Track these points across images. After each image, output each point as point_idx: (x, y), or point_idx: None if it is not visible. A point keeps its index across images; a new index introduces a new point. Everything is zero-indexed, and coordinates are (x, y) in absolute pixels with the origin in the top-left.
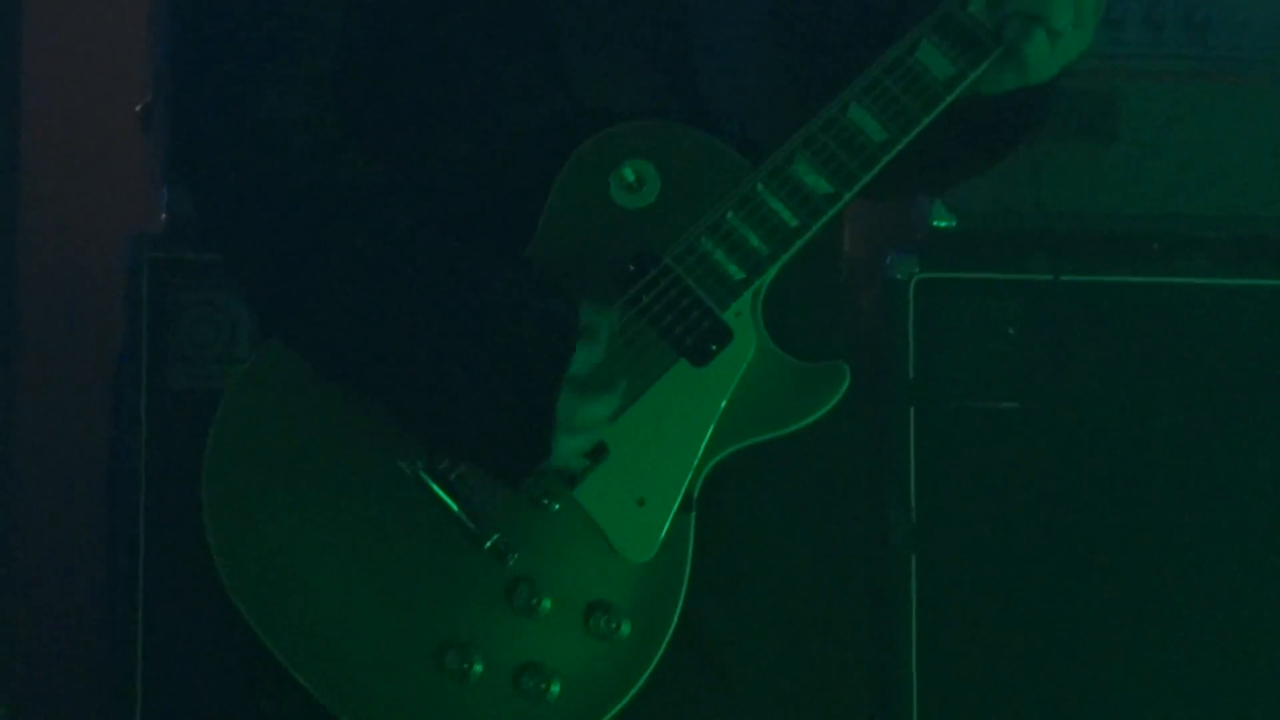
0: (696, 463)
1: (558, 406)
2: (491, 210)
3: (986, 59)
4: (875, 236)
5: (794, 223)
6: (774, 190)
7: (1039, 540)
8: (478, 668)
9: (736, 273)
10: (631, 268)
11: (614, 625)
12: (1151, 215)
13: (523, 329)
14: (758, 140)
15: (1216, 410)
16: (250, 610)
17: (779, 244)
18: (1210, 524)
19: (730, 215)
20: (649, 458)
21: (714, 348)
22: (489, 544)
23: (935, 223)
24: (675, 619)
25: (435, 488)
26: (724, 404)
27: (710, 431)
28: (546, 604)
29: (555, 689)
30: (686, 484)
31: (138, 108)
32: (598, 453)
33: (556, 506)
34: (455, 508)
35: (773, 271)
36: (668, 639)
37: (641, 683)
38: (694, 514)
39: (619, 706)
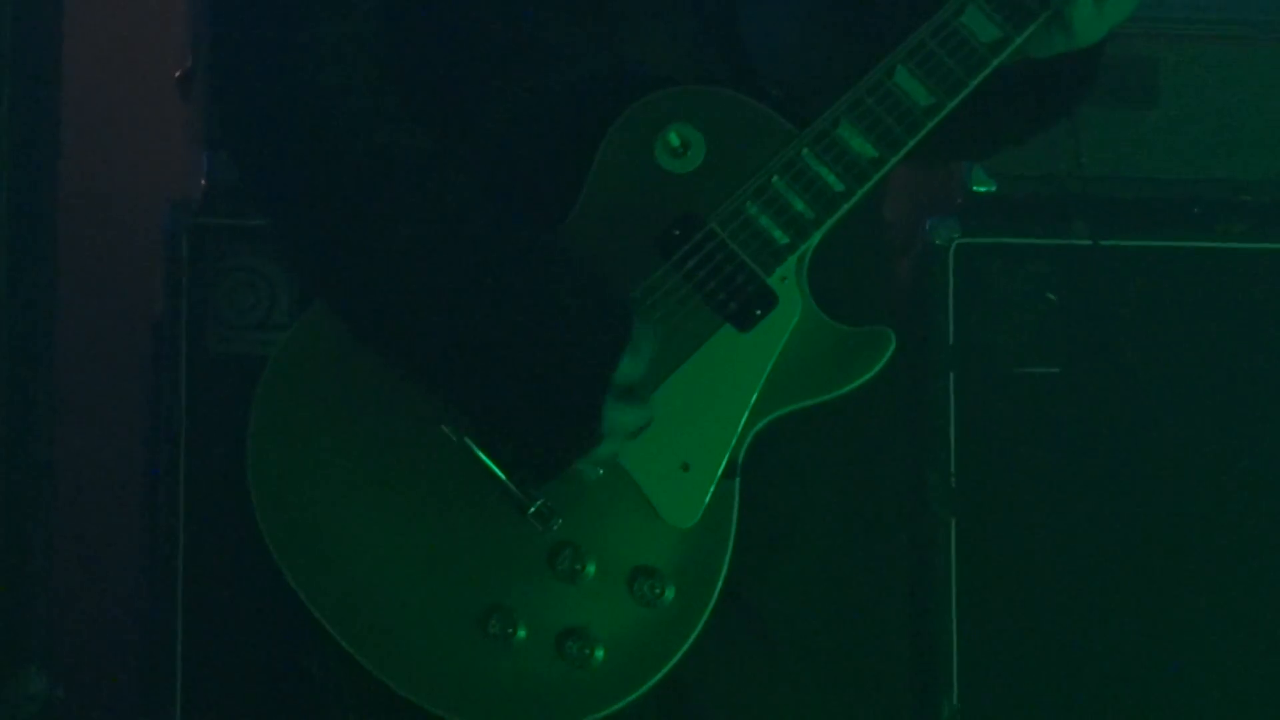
0: (741, 428)
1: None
2: (536, 173)
3: (1032, 22)
4: (915, 201)
5: (839, 187)
6: (819, 155)
7: (1079, 504)
8: (521, 633)
9: (781, 237)
10: (676, 232)
11: (658, 591)
12: (1191, 180)
13: (578, 320)
14: (803, 105)
15: (1256, 374)
16: (294, 574)
17: (824, 209)
18: (1252, 486)
19: (775, 180)
20: (693, 423)
21: (759, 313)
22: (533, 509)
23: (975, 188)
24: (719, 584)
25: (479, 452)
26: (769, 369)
27: (755, 397)
28: (590, 569)
29: (599, 654)
30: (730, 449)
31: (177, 74)
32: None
33: (600, 472)
34: (499, 472)
35: (818, 236)
36: (712, 604)
37: (686, 648)
38: (738, 479)
39: (663, 671)
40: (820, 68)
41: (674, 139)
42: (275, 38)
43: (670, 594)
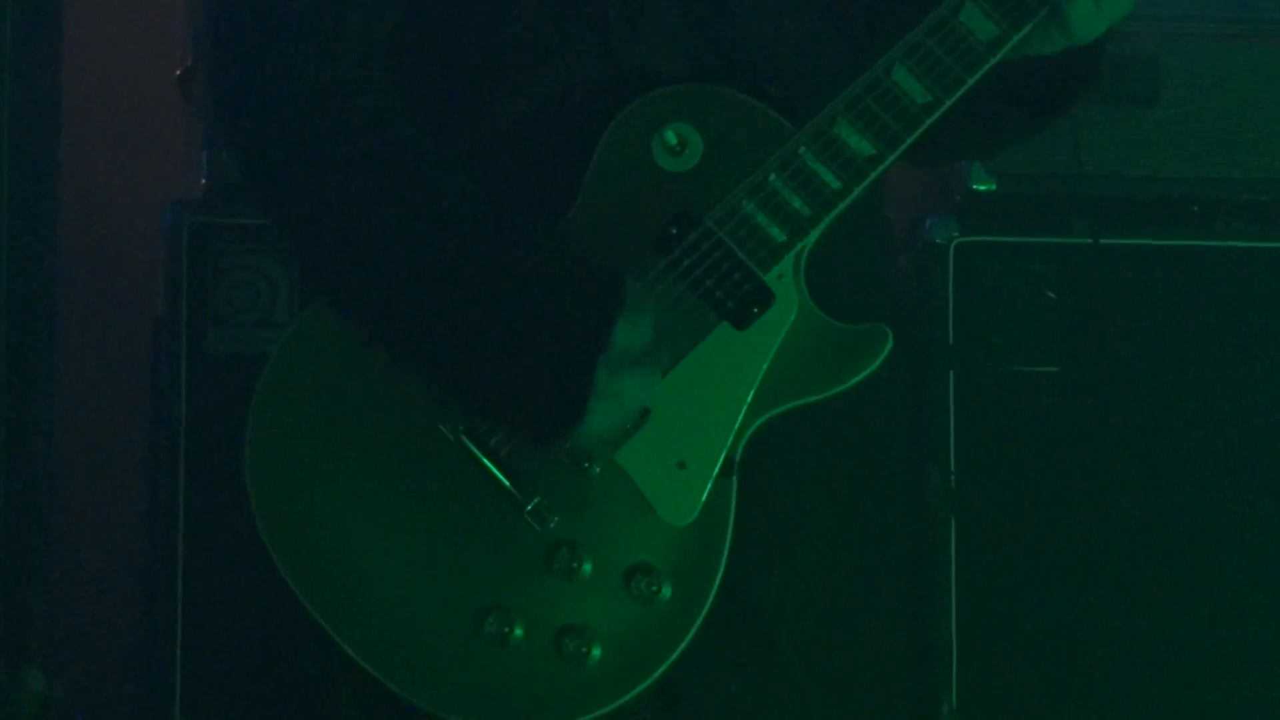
0: (738, 426)
1: (595, 377)
2: (535, 172)
3: (1030, 20)
4: (914, 200)
5: (836, 185)
6: (816, 153)
7: (1078, 503)
8: (518, 631)
9: (778, 235)
10: (673, 230)
11: (655, 588)
12: (1191, 178)
13: (564, 297)
14: (800, 103)
15: (1256, 373)
16: (291, 573)
17: (821, 206)
18: (1252, 485)
19: (772, 178)
20: (690, 421)
21: (755, 310)
22: (530, 507)
23: (974, 186)
24: (717, 582)
25: (476, 451)
26: (765, 367)
27: (751, 395)
28: (587, 567)
29: (596, 652)
30: (728, 448)
31: (177, 72)
32: (639, 416)
33: (597, 470)
34: (496, 471)
35: (815, 234)
36: (709, 602)
37: (683, 646)
38: (735, 478)
39: (660, 669)
40: (817, 67)
41: (671, 138)
42: (282, 34)
43: (667, 592)
